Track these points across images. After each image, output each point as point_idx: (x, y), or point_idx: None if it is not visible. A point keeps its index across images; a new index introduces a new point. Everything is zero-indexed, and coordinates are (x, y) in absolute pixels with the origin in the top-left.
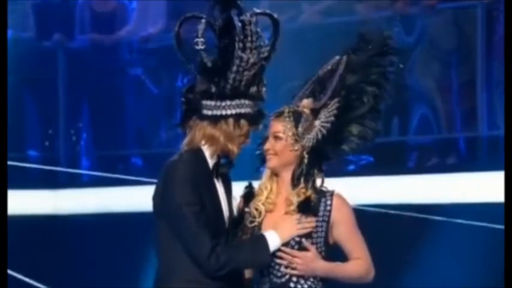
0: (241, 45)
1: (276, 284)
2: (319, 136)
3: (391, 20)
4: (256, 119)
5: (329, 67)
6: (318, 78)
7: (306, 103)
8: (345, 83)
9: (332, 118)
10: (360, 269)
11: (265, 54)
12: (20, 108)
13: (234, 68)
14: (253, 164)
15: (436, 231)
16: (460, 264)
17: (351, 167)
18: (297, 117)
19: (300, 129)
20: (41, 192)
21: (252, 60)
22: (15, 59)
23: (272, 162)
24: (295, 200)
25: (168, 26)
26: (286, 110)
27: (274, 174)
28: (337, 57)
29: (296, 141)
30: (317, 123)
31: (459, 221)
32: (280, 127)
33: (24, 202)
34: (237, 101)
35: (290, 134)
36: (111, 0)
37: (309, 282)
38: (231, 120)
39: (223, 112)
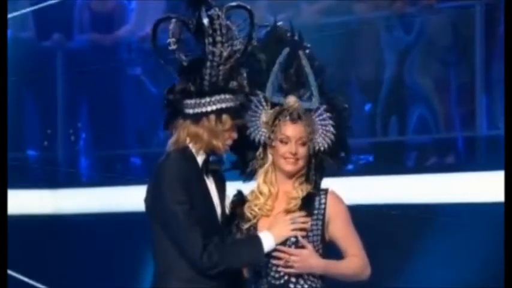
0: (211, 40)
1: (274, 285)
2: (326, 143)
3: (390, 19)
4: (239, 112)
5: (281, 60)
6: (285, 71)
7: (294, 101)
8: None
9: (330, 128)
10: (356, 266)
11: (239, 46)
12: (19, 108)
13: (208, 64)
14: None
15: (435, 231)
16: (460, 263)
17: (350, 167)
18: (309, 120)
19: (312, 132)
20: (40, 192)
21: (225, 54)
22: (14, 59)
23: (294, 166)
24: (299, 195)
25: (167, 25)
26: (302, 112)
27: (275, 176)
28: (287, 49)
29: (311, 144)
30: (315, 126)
31: (458, 220)
32: (303, 132)
33: (23, 202)
34: (216, 97)
35: (309, 138)
36: (110, 0)
37: (309, 282)
38: (212, 117)
39: (204, 109)
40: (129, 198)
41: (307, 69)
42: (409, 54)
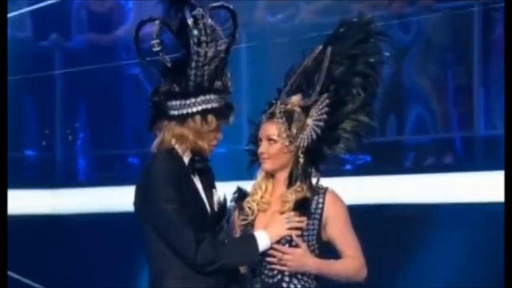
0: (196, 40)
1: (267, 284)
2: (314, 136)
3: (388, 19)
4: (224, 113)
5: (313, 57)
6: (303, 71)
7: (295, 100)
8: (332, 75)
9: (324, 116)
10: (352, 267)
11: (223, 46)
12: (17, 108)
13: (193, 64)
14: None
15: (434, 231)
16: (460, 264)
17: (348, 167)
18: (289, 117)
19: (293, 129)
20: (38, 191)
21: (210, 54)
22: (12, 59)
23: (267, 165)
24: (292, 198)
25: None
26: (278, 111)
27: (270, 174)
28: (320, 47)
29: (291, 142)
30: (309, 121)
31: (458, 220)
32: (274, 129)
33: (21, 202)
34: (201, 97)
35: (284, 135)
36: (108, 0)
37: (302, 282)
38: (198, 117)
39: (189, 110)
40: (127, 198)
41: (325, 64)
42: (407, 55)
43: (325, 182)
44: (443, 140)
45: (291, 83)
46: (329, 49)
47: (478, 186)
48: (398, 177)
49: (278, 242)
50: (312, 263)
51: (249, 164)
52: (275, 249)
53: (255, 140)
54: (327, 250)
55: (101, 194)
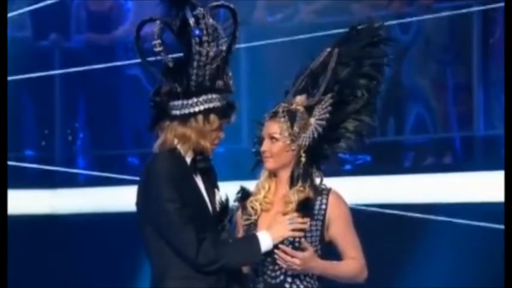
0: (197, 39)
1: (270, 284)
2: (315, 134)
3: (387, 19)
4: (226, 112)
5: (320, 59)
6: (310, 72)
7: (300, 100)
8: (338, 76)
9: (327, 115)
10: (354, 268)
11: (224, 45)
12: (17, 108)
13: (195, 64)
14: (252, 164)
15: (433, 231)
16: (459, 264)
17: (348, 167)
18: (291, 116)
19: (295, 128)
20: (38, 191)
21: (211, 54)
22: (12, 59)
23: (269, 163)
24: (294, 199)
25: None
26: (281, 110)
27: (273, 174)
28: (328, 49)
29: (292, 141)
30: (312, 120)
31: (456, 220)
32: (276, 128)
33: (20, 202)
34: (203, 97)
35: (286, 134)
36: (107, 0)
37: (304, 283)
38: (200, 117)
39: (191, 110)
40: (127, 198)
41: (331, 64)
42: (406, 54)
43: (324, 181)
44: (442, 139)
45: (297, 85)
46: (336, 50)
47: (477, 186)
48: (398, 177)
49: (281, 243)
50: (318, 265)
51: (254, 165)
52: (284, 252)
53: (260, 141)
54: (328, 251)
55: (100, 194)
